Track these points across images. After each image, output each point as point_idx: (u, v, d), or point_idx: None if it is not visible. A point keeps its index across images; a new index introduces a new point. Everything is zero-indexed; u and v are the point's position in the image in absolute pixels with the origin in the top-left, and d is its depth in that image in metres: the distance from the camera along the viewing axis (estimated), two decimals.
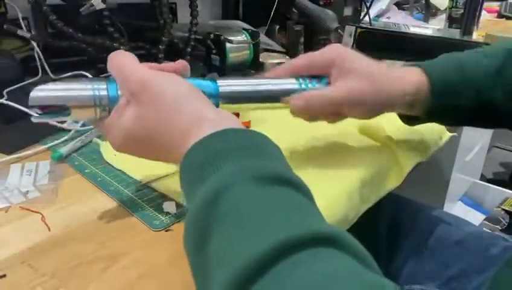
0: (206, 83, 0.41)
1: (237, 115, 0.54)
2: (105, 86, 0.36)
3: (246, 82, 0.44)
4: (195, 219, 0.27)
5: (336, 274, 0.22)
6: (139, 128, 0.35)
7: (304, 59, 0.47)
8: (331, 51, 0.46)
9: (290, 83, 0.45)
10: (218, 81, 0.42)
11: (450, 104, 0.47)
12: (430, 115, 0.49)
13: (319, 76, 0.46)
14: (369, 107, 0.46)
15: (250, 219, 0.25)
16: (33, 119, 0.36)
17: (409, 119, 0.52)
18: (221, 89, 0.42)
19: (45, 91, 0.35)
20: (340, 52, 0.46)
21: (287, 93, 0.45)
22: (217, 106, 0.42)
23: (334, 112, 0.47)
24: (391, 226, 0.61)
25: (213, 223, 0.26)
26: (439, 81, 0.46)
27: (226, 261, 0.24)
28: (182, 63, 0.40)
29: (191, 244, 0.28)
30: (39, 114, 0.36)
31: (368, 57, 0.46)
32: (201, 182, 0.29)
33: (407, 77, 0.47)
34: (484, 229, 1.36)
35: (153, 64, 0.39)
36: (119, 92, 0.36)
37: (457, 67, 0.47)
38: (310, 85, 0.46)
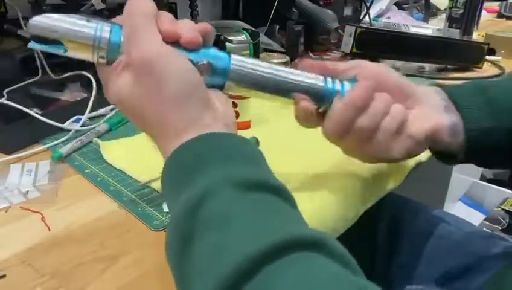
0: (219, 55, 0.35)
1: (237, 115, 0.53)
2: (109, 29, 0.33)
3: (265, 66, 0.37)
4: (178, 224, 0.27)
5: (319, 278, 0.22)
6: (130, 100, 0.33)
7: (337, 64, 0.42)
8: (363, 61, 0.42)
9: (314, 79, 0.39)
10: (232, 56, 0.36)
11: (487, 147, 0.43)
12: (467, 156, 0.44)
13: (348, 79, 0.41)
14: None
15: (232, 225, 0.25)
16: (29, 46, 0.34)
17: (446, 158, 0.47)
18: (233, 67, 0.36)
19: (48, 19, 0.33)
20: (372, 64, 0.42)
21: (308, 90, 0.38)
22: (223, 85, 0.36)
23: None
24: (391, 226, 0.61)
25: (196, 229, 0.26)
26: (472, 128, 0.42)
27: (209, 269, 0.24)
28: (203, 29, 0.35)
29: (173, 251, 0.27)
30: (36, 42, 0.33)
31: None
32: (185, 186, 0.28)
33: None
34: (484, 229, 1.36)
35: (171, 26, 0.33)
36: (122, 39, 0.33)
37: (488, 108, 0.43)
38: (337, 87, 0.39)
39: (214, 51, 0.35)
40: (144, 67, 0.31)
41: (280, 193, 0.28)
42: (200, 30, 0.34)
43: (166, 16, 0.34)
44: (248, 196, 0.27)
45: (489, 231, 1.38)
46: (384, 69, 0.42)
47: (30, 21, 0.32)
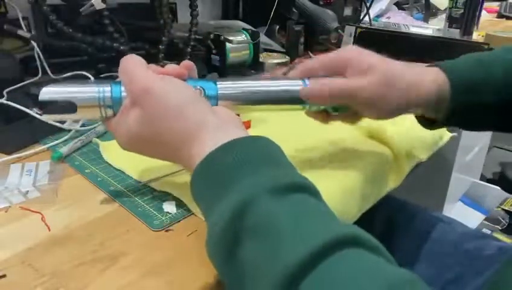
0: (206, 84, 0.41)
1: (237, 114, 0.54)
2: (109, 88, 0.38)
3: (246, 84, 0.43)
4: (223, 232, 0.29)
5: (368, 270, 0.24)
6: (142, 131, 0.36)
7: (318, 60, 0.46)
8: (347, 51, 0.45)
9: (294, 85, 0.44)
10: (218, 83, 0.42)
11: (471, 103, 0.45)
12: (451, 116, 0.47)
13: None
14: (388, 104, 0.44)
15: (279, 230, 0.27)
16: (44, 117, 0.39)
17: (428, 123, 0.50)
18: (220, 91, 0.42)
19: (55, 88, 0.37)
20: (357, 52, 0.45)
21: (290, 94, 0.44)
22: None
23: (350, 109, 0.46)
24: (386, 229, 0.61)
25: (242, 236, 0.28)
26: (459, 79, 0.45)
27: (264, 274, 0.26)
28: (187, 66, 0.41)
29: (219, 256, 0.30)
30: (48, 112, 0.38)
31: (384, 55, 0.45)
32: (223, 194, 0.30)
33: (426, 76, 0.45)
34: (483, 229, 1.35)
35: (158, 68, 0.39)
36: (123, 94, 0.38)
37: (478, 63, 0.46)
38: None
39: (201, 80, 0.41)
40: (146, 94, 0.35)
41: (310, 190, 0.30)
42: (185, 66, 0.41)
43: (154, 66, 0.40)
44: (286, 199, 0.29)
45: (489, 231, 1.38)
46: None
47: (41, 91, 0.37)
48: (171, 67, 0.40)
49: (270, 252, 0.26)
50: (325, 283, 0.24)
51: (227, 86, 0.42)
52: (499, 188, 1.58)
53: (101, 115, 0.38)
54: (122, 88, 0.38)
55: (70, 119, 0.39)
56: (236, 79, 0.44)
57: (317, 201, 0.30)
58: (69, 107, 0.37)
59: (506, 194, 1.55)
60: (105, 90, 0.38)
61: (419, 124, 0.51)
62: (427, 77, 0.45)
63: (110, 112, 0.38)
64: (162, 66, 0.40)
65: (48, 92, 0.37)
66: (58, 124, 0.56)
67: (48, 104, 0.37)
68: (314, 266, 0.24)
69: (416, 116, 0.50)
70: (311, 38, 0.98)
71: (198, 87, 0.40)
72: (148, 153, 0.39)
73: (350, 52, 0.45)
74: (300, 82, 0.44)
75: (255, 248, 0.27)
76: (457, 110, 0.46)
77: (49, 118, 0.39)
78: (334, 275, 0.24)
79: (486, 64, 0.45)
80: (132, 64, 0.38)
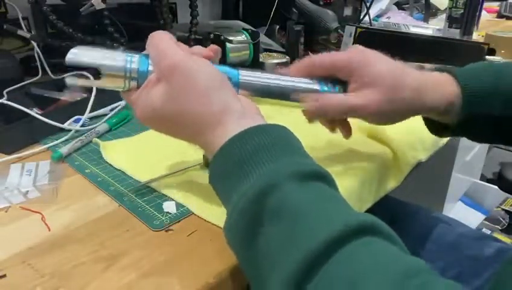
0: (229, 71, 0.41)
1: None
2: (137, 59, 0.38)
3: (268, 76, 0.43)
4: (244, 213, 0.29)
5: (385, 257, 0.25)
6: (165, 107, 0.36)
7: (318, 59, 0.45)
8: (351, 57, 0.43)
9: (313, 84, 0.44)
10: (240, 71, 0.42)
11: (482, 114, 0.44)
12: (460, 126, 0.46)
13: (335, 81, 0.45)
14: (388, 117, 0.44)
15: (301, 214, 0.28)
16: (67, 81, 0.38)
17: (437, 130, 0.49)
18: (242, 79, 0.41)
19: (83, 51, 0.37)
20: (362, 58, 0.43)
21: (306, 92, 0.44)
22: None
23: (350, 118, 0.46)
24: None
25: (264, 217, 0.28)
26: (471, 91, 0.44)
27: (283, 256, 0.26)
28: (214, 50, 0.40)
29: (239, 237, 0.30)
30: (73, 75, 0.38)
31: (393, 59, 0.44)
32: (244, 176, 0.31)
33: (436, 86, 0.44)
34: (477, 228, 1.35)
35: (187, 47, 0.39)
36: (150, 68, 0.38)
37: (492, 73, 0.45)
38: (331, 90, 0.45)
39: (223, 66, 0.41)
40: (174, 70, 0.35)
41: (328, 179, 0.31)
42: (212, 50, 0.40)
43: (183, 45, 0.39)
44: (308, 185, 0.30)
45: (489, 231, 1.38)
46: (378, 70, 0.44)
47: (68, 54, 0.37)
48: (198, 48, 0.40)
49: (291, 235, 0.27)
50: (343, 268, 0.24)
51: (249, 76, 0.42)
52: (499, 188, 1.58)
53: (125, 85, 0.38)
54: (150, 62, 0.38)
55: (93, 86, 0.38)
56: (257, 71, 0.44)
57: (335, 191, 0.31)
58: (92, 72, 0.37)
59: (506, 194, 1.55)
60: (133, 61, 0.37)
61: (418, 122, 0.50)
62: (439, 88, 0.44)
63: (134, 83, 0.38)
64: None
65: (76, 55, 0.36)
66: (58, 124, 0.56)
67: (70, 68, 0.36)
68: (334, 251, 0.25)
69: (424, 119, 0.50)
70: (311, 38, 0.98)
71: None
72: (166, 131, 0.39)
73: (354, 57, 0.43)
74: (317, 85, 0.44)
75: (276, 230, 0.28)
76: (467, 120, 0.45)
77: (72, 83, 0.38)
78: (352, 261, 0.25)
79: (498, 73, 0.45)
80: (162, 39, 0.37)
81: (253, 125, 0.33)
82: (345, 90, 0.44)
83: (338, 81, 0.45)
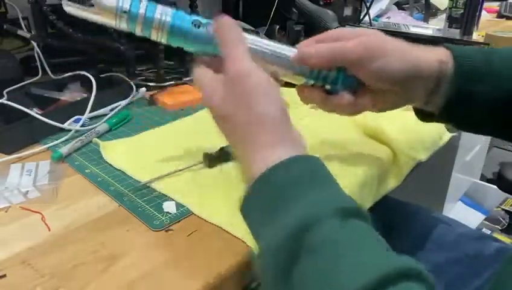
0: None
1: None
2: (130, 0, 0.37)
3: (266, 42, 0.41)
4: (281, 247, 0.29)
5: None
6: (220, 109, 0.36)
7: (334, 44, 0.42)
8: (365, 48, 0.41)
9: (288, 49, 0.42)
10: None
11: (471, 91, 0.42)
12: (448, 108, 0.44)
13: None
14: (389, 66, 0.41)
15: (339, 255, 0.27)
16: (64, 3, 0.38)
17: (424, 116, 0.48)
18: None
19: None
20: (372, 48, 0.41)
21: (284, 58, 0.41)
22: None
23: (348, 84, 0.43)
24: (386, 230, 0.61)
25: (301, 254, 0.28)
26: (464, 63, 0.42)
27: None
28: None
29: (273, 271, 0.30)
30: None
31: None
32: (282, 209, 0.30)
33: (432, 52, 0.43)
34: (477, 228, 1.35)
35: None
36: (140, 11, 0.38)
37: (486, 54, 0.43)
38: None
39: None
40: (239, 80, 0.35)
41: (365, 216, 0.31)
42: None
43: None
44: (348, 224, 0.29)
45: (489, 231, 1.38)
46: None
47: None
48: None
49: (329, 276, 0.26)
50: None
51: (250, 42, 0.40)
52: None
53: (115, 21, 0.38)
54: (142, 3, 0.38)
55: (89, 15, 0.38)
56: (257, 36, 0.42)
57: (372, 229, 0.30)
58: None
59: (506, 194, 1.55)
60: (125, 1, 0.37)
61: (418, 122, 0.50)
62: (434, 53, 0.43)
63: (124, 22, 0.38)
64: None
65: None
66: (58, 124, 0.56)
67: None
68: None
69: (414, 108, 0.49)
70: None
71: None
72: (217, 124, 0.38)
73: (367, 48, 0.41)
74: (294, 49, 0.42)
75: (313, 269, 0.27)
76: (456, 99, 0.43)
77: (70, 9, 0.39)
78: None
79: (493, 55, 0.43)
80: (234, 36, 0.37)
81: (297, 155, 0.33)
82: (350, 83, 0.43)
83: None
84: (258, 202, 0.33)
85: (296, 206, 0.30)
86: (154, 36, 0.39)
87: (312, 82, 0.43)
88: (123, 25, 0.38)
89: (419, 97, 0.45)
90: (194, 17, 0.39)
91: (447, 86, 0.43)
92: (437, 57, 0.43)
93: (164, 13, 0.38)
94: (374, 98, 0.44)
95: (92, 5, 0.37)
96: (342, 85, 0.43)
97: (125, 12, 0.37)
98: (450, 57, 0.43)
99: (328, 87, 0.44)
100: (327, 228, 0.28)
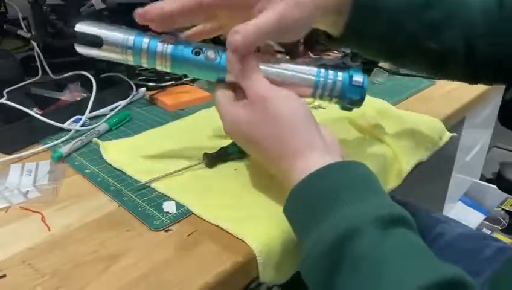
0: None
1: None
2: (133, 38, 0.40)
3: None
4: (324, 256, 0.29)
5: None
6: (249, 132, 0.37)
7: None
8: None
9: (308, 74, 0.41)
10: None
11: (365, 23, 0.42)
12: (346, 36, 0.44)
13: (342, 69, 0.43)
14: (301, 24, 0.42)
15: (382, 266, 0.27)
16: (76, 46, 0.41)
17: (331, 40, 0.47)
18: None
19: (89, 25, 0.40)
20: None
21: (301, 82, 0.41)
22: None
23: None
24: None
25: (343, 264, 0.28)
26: None
27: None
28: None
29: (316, 278, 0.30)
30: (79, 42, 0.41)
31: None
32: (325, 215, 0.31)
33: None
34: (477, 228, 1.35)
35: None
36: (143, 47, 0.40)
37: None
38: (329, 81, 0.41)
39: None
40: (260, 102, 0.36)
41: (409, 223, 0.30)
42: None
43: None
44: (391, 233, 0.29)
45: (489, 231, 1.38)
46: None
47: (78, 24, 0.40)
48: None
49: (371, 286, 0.26)
50: None
51: None
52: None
53: (123, 57, 0.41)
54: (145, 40, 0.40)
55: (97, 55, 0.41)
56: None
57: (416, 236, 0.30)
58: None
59: (506, 194, 1.55)
60: (129, 39, 0.40)
61: (418, 122, 0.50)
62: None
63: (130, 57, 0.40)
64: None
65: (83, 26, 0.40)
66: (58, 124, 0.56)
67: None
68: None
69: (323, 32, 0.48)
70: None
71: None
72: (247, 149, 0.40)
73: None
74: (314, 72, 0.42)
75: (356, 279, 0.27)
76: (351, 29, 0.43)
77: (82, 50, 0.42)
78: None
79: None
80: (247, 65, 0.38)
81: (335, 161, 0.34)
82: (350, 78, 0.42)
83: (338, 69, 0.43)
84: (300, 204, 0.34)
85: (337, 212, 0.30)
86: (159, 67, 0.41)
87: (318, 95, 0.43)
88: (130, 59, 0.41)
89: (322, 26, 0.47)
90: (195, 45, 0.41)
91: (345, 16, 0.43)
92: None
93: (165, 46, 0.40)
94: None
95: (101, 46, 0.40)
96: (348, 94, 0.42)
97: (130, 48, 0.40)
98: None
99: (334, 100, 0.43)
100: (369, 238, 0.28)
